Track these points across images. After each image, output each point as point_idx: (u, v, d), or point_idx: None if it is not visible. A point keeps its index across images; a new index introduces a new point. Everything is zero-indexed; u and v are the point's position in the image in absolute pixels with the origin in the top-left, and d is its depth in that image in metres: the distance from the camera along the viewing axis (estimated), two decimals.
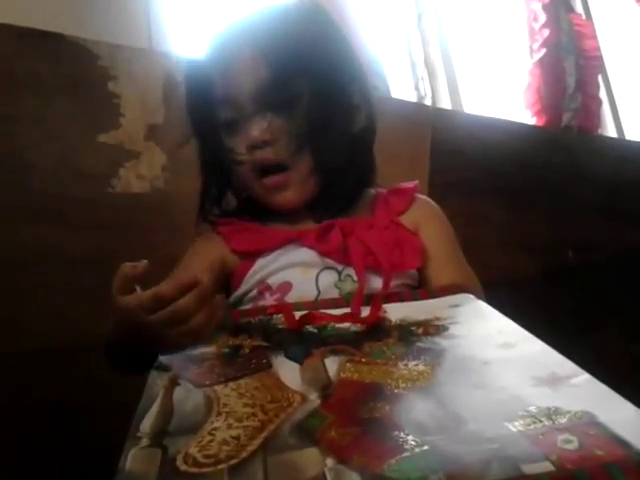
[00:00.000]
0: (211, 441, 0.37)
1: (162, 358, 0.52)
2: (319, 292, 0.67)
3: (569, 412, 0.35)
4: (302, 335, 0.54)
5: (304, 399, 0.41)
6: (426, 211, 0.76)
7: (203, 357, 0.51)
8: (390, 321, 0.55)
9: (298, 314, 0.57)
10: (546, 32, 1.88)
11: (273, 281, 0.68)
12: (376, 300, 0.57)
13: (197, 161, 0.76)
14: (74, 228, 0.96)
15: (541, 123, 1.86)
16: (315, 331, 0.54)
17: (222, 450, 0.35)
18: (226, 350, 0.52)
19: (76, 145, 0.99)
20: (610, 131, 2.16)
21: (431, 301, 0.61)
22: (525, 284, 1.42)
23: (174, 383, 0.46)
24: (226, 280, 0.72)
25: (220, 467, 0.34)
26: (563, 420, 0.34)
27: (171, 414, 0.41)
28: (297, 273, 0.68)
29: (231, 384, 0.45)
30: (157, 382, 0.47)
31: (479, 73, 1.90)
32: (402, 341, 0.50)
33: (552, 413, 0.35)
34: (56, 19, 1.04)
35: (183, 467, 0.34)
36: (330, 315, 0.55)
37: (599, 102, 2.01)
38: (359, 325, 0.54)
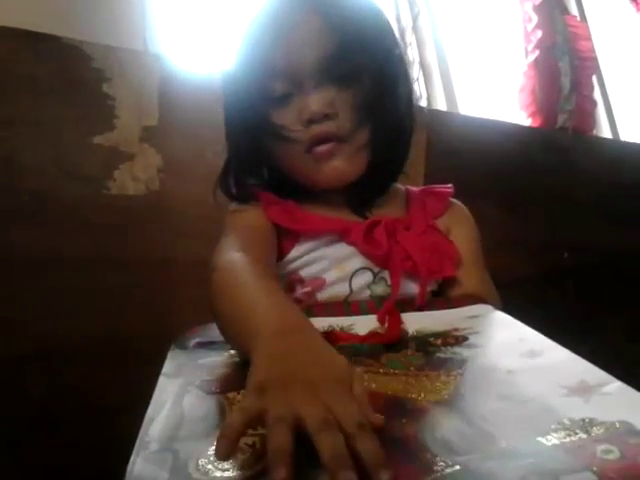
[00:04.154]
0: None
1: (171, 365, 0.50)
2: (351, 291, 0.65)
3: (605, 423, 0.33)
4: None
5: None
6: (459, 216, 0.75)
7: (214, 365, 0.50)
8: (407, 332, 0.53)
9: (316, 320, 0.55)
10: (539, 33, 1.89)
11: (306, 273, 0.66)
12: (395, 315, 0.55)
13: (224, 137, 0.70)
14: (69, 230, 0.96)
15: (536, 124, 1.86)
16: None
17: (237, 458, 0.33)
18: (236, 360, 0.50)
19: (71, 147, 0.99)
20: (605, 132, 2.16)
21: (448, 312, 0.59)
22: (522, 285, 1.42)
23: (184, 390, 0.45)
24: None
25: (235, 475, 0.32)
26: (600, 431, 0.32)
27: (181, 420, 0.39)
28: (332, 270, 0.65)
29: (243, 391, 0.41)
30: (167, 388, 0.45)
31: (474, 74, 1.90)
32: (420, 352, 0.48)
33: (587, 424, 0.33)
34: (51, 21, 1.03)
35: (196, 474, 0.32)
36: (353, 336, 0.53)
37: (594, 103, 2.01)
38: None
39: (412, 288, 0.64)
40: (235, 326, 0.48)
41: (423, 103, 1.75)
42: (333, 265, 0.65)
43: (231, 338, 0.51)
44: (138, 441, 0.37)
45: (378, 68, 0.64)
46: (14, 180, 0.93)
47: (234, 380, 0.45)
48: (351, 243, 0.65)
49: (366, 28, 0.64)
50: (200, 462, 0.33)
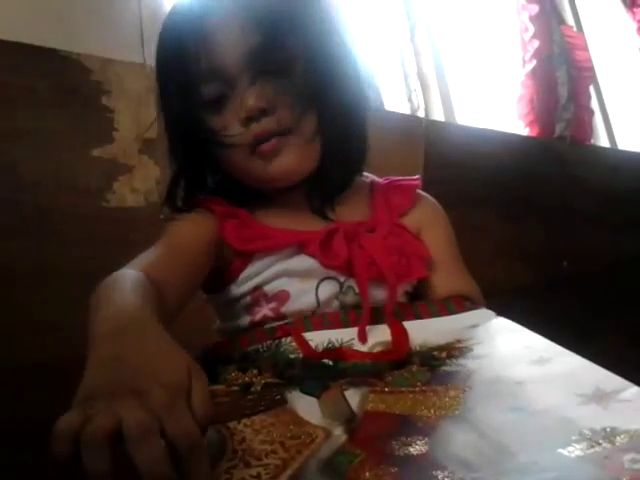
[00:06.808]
0: None
1: None
2: (319, 304, 0.61)
3: (628, 431, 0.31)
4: (316, 369, 0.49)
5: (328, 434, 0.38)
6: (430, 212, 0.71)
7: (211, 395, 0.49)
8: (410, 348, 0.51)
9: (309, 335, 0.53)
10: (536, 43, 1.90)
11: (268, 289, 0.62)
12: (399, 328, 0.53)
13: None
14: (69, 243, 0.96)
15: (534, 134, 1.87)
16: (330, 364, 0.50)
17: None
18: (235, 388, 0.48)
19: (70, 159, 0.98)
20: (602, 141, 2.17)
21: (449, 321, 0.57)
22: (522, 294, 1.42)
23: None
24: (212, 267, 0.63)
25: None
26: (624, 440, 0.31)
27: None
28: (295, 282, 0.62)
29: (244, 421, 0.41)
30: None
31: (472, 84, 1.91)
32: (425, 367, 0.47)
33: (609, 434, 0.31)
34: (50, 34, 1.04)
35: None
36: (361, 353, 0.51)
37: (591, 112, 2.02)
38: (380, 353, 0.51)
39: (382, 295, 0.61)
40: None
41: (421, 113, 1.75)
42: (296, 278, 0.62)
43: None
44: None
45: (313, 54, 0.61)
46: (14, 192, 0.93)
47: (233, 409, 0.44)
48: (310, 255, 0.62)
49: (295, 15, 0.60)
50: None
